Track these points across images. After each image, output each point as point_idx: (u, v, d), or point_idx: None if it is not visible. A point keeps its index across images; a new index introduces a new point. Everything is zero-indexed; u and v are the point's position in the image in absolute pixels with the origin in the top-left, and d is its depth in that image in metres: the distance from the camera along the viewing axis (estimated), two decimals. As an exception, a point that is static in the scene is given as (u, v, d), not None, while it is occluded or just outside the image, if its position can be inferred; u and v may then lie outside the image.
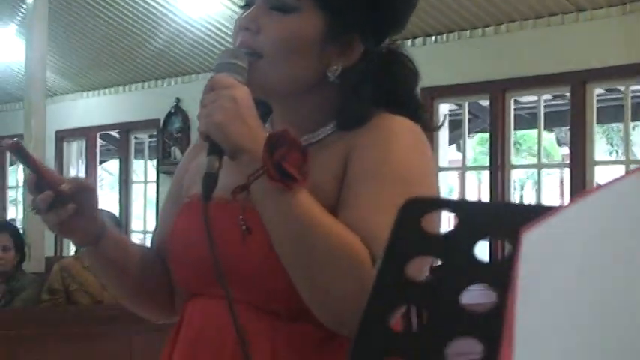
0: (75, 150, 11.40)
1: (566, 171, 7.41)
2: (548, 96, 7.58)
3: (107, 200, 12.56)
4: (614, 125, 11.79)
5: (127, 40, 9.36)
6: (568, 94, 7.05)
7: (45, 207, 1.56)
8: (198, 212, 1.46)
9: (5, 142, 1.55)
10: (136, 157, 10.83)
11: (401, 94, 1.62)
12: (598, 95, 7.08)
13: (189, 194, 1.67)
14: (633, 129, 9.27)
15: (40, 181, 1.56)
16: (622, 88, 6.93)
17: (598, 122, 7.34)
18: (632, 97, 6.83)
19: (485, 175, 7.75)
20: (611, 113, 8.72)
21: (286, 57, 1.55)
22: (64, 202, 1.56)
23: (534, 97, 7.53)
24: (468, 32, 7.18)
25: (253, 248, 1.50)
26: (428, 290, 0.74)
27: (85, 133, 11.03)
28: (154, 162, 10.45)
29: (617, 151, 14.53)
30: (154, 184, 10.16)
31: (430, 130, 1.64)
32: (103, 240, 1.65)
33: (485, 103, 7.79)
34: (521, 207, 0.77)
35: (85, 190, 1.60)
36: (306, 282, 1.44)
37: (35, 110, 7.40)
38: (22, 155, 1.57)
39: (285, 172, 1.40)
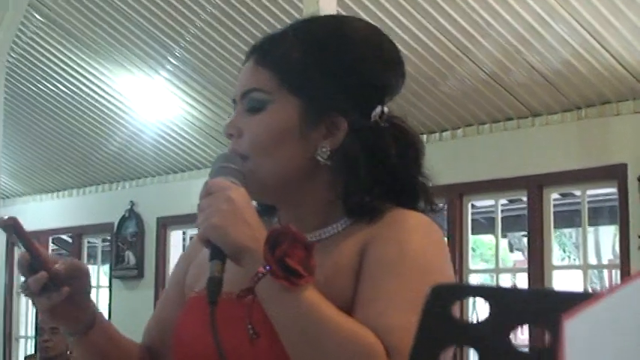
0: (25, 254, 11.19)
1: (521, 276, 7.41)
2: (503, 200, 7.61)
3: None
4: (566, 231, 11.87)
5: (82, 142, 9.31)
6: (524, 198, 7.08)
7: (38, 289, 1.51)
8: (204, 309, 1.42)
9: (0, 219, 1.48)
10: (88, 262, 10.66)
11: (400, 172, 1.57)
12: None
13: (196, 288, 1.63)
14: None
15: (33, 261, 1.51)
16: (578, 192, 6.98)
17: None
18: (589, 202, 6.86)
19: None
20: (564, 218, 8.78)
21: (268, 152, 1.54)
22: (57, 285, 1.51)
23: (490, 202, 7.56)
24: (424, 137, 7.23)
25: (261, 353, 1.47)
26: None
27: (37, 237, 10.86)
28: (107, 267, 10.29)
29: (569, 257, 14.63)
30: (107, 290, 9.98)
31: (430, 211, 1.59)
32: (93, 329, 1.60)
33: (442, 207, 7.81)
34: (555, 293, 0.73)
35: (79, 273, 1.56)
36: None
37: (-12, 213, 7.28)
38: (18, 232, 1.50)
39: (289, 268, 1.36)
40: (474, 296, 0.76)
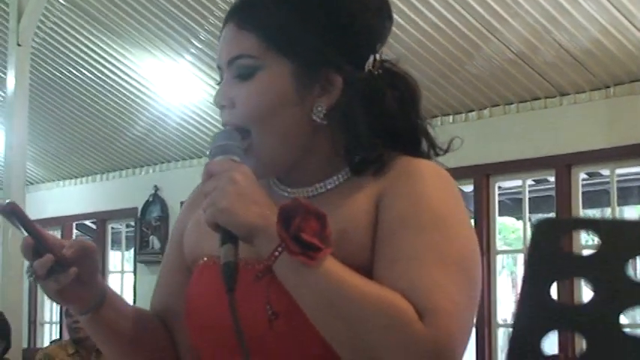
0: (50, 240, 11.23)
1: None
2: (530, 181, 7.56)
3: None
4: (592, 212, 11.81)
5: (106, 128, 9.32)
6: (551, 178, 7.03)
7: (44, 272, 1.46)
8: (215, 283, 1.40)
9: None
10: (112, 247, 10.68)
11: (399, 118, 1.53)
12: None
13: (202, 254, 1.58)
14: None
15: (38, 245, 1.47)
16: (607, 172, 6.92)
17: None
18: (617, 182, 6.81)
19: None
20: (589, 199, 8.72)
21: (267, 121, 1.49)
22: (63, 266, 1.47)
23: (517, 182, 7.51)
24: (450, 117, 7.20)
25: (281, 332, 1.43)
26: (583, 315, 0.66)
27: (61, 223, 10.88)
28: (131, 252, 10.30)
29: (593, 240, 14.54)
30: (132, 275, 9.99)
31: (436, 154, 1.57)
32: (104, 306, 1.56)
33: (469, 188, 7.77)
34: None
35: (86, 252, 1.51)
36: (349, 348, 1.36)
37: (15, 198, 7.29)
38: (19, 217, 1.45)
39: (305, 243, 1.33)
40: (583, 229, 0.73)
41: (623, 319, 0.66)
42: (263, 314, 1.43)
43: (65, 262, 1.47)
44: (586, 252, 0.70)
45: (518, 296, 0.71)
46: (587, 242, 6.49)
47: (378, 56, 1.56)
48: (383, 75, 1.55)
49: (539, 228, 0.71)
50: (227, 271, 1.35)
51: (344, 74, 1.50)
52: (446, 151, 1.58)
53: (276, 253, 1.35)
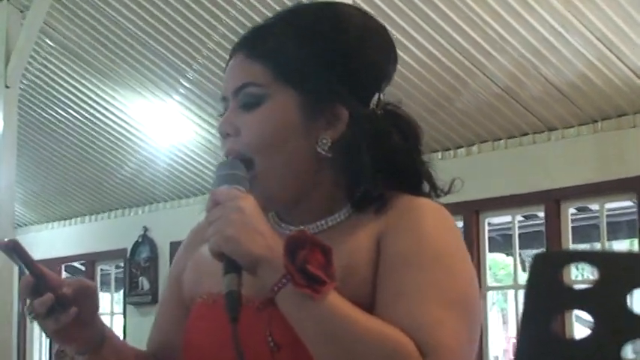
0: (39, 282, 11.18)
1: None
2: (519, 217, 7.57)
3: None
4: (582, 246, 11.83)
5: (94, 169, 9.31)
6: (541, 214, 7.04)
7: (44, 311, 1.45)
8: (215, 319, 1.41)
9: (0, 241, 1.43)
10: (101, 289, 10.62)
11: (402, 157, 1.53)
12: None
13: (200, 293, 1.57)
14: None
15: (38, 283, 1.45)
16: (596, 207, 6.93)
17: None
18: (607, 216, 6.82)
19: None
20: (578, 234, 8.73)
21: (272, 150, 1.49)
22: (63, 305, 1.46)
23: (506, 219, 7.51)
24: (439, 154, 7.21)
25: None
26: (584, 349, 0.66)
27: (49, 265, 10.75)
28: (120, 293, 10.26)
29: (582, 274, 14.56)
30: (121, 316, 9.94)
31: (438, 195, 1.56)
32: (103, 347, 1.55)
33: (459, 225, 7.78)
34: (666, 258, 0.70)
35: (86, 292, 1.50)
36: None
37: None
38: (20, 254, 1.44)
39: (311, 275, 1.32)
40: (581, 262, 0.73)
41: (625, 352, 0.66)
42: (265, 346, 1.42)
43: (65, 301, 1.46)
44: (585, 285, 0.70)
45: (519, 330, 0.70)
46: (577, 276, 6.49)
47: (382, 96, 1.56)
48: (386, 115, 1.55)
49: (537, 261, 0.71)
50: (230, 300, 1.34)
51: (350, 108, 1.51)
52: (447, 193, 1.58)
53: (280, 285, 1.34)
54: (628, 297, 0.67)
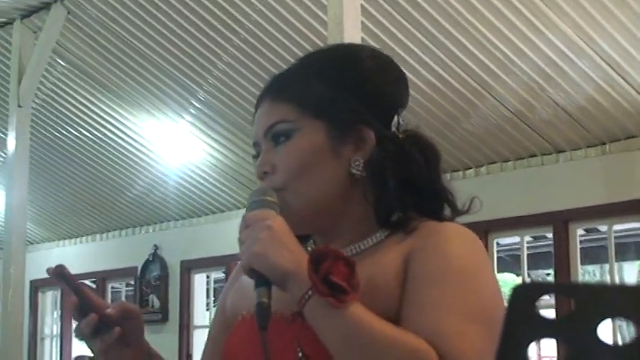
0: (50, 300, 11.24)
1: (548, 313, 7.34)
2: (528, 238, 7.59)
3: (82, 351, 12.31)
4: (591, 267, 11.81)
5: (106, 188, 9.36)
6: (549, 234, 7.05)
7: (89, 331, 1.54)
8: (251, 331, 1.47)
9: (49, 269, 1.52)
10: (112, 307, 10.66)
11: (424, 176, 1.58)
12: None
13: (240, 312, 1.64)
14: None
15: (83, 305, 1.54)
16: (604, 228, 6.95)
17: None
18: (615, 238, 6.83)
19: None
20: (590, 255, 8.74)
21: (304, 177, 1.56)
22: (109, 326, 1.54)
23: (516, 239, 7.53)
24: (448, 175, 7.23)
25: None
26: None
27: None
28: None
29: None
30: (131, 334, 9.96)
31: (459, 213, 1.61)
32: None
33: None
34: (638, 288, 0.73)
35: (131, 316, 1.59)
36: None
37: (15, 259, 7.31)
38: (67, 279, 1.54)
39: (334, 285, 1.38)
40: (558, 293, 0.76)
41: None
42: (294, 358, 1.48)
43: (110, 322, 1.54)
44: (560, 315, 0.73)
45: (495, 356, 0.74)
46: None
47: (401, 120, 1.63)
48: (407, 137, 1.61)
49: (516, 291, 0.75)
50: (260, 310, 1.40)
51: (375, 129, 1.57)
52: (466, 212, 1.63)
53: (307, 297, 1.39)
54: (600, 327, 0.71)
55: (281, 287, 1.42)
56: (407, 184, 1.57)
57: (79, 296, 1.54)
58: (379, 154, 1.56)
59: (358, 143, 1.57)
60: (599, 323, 0.71)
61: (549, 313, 0.71)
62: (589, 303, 0.71)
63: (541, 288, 0.73)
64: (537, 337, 0.72)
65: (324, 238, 1.62)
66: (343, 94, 1.58)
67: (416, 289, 1.47)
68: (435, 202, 1.59)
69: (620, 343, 0.72)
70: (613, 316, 0.72)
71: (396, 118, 1.62)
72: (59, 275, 1.53)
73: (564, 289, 0.76)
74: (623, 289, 0.74)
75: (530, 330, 0.72)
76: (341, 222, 1.59)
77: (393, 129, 1.61)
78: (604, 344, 0.70)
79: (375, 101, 1.60)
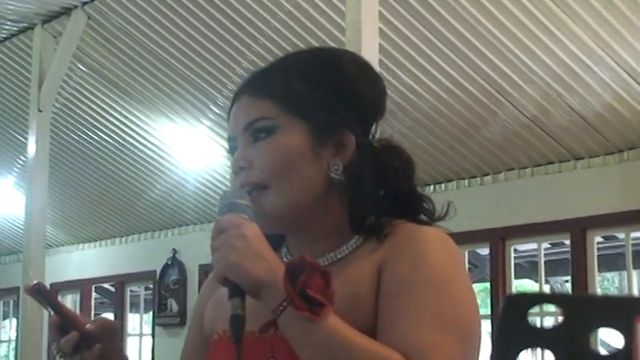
0: (69, 303, 11.28)
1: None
2: (546, 244, 7.58)
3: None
4: (608, 274, 11.78)
5: (125, 191, 9.41)
6: (567, 241, 7.05)
7: (70, 349, 1.52)
8: (228, 350, 1.45)
9: (26, 286, 1.52)
10: (131, 310, 10.71)
11: (402, 184, 1.59)
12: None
13: (217, 329, 1.63)
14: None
15: (63, 323, 1.53)
16: (622, 235, 6.93)
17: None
18: (632, 245, 6.82)
19: (486, 324, 7.67)
20: (605, 262, 8.72)
21: (286, 175, 1.54)
22: (89, 344, 1.53)
23: (533, 246, 7.52)
24: (466, 181, 7.24)
25: None
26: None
27: (80, 286, 10.94)
28: (150, 315, 10.33)
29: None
30: (150, 337, 10.01)
31: (436, 220, 1.61)
32: None
33: (485, 252, 7.79)
34: (627, 299, 0.75)
35: (111, 332, 1.58)
36: None
37: (34, 262, 7.37)
38: (45, 297, 1.53)
39: (310, 298, 1.37)
40: (548, 303, 0.78)
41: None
42: None
43: (90, 339, 1.53)
44: (550, 325, 0.75)
45: (486, 366, 0.76)
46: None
47: (377, 129, 1.63)
48: (384, 147, 1.62)
49: (508, 302, 0.76)
50: (234, 323, 1.39)
51: (356, 135, 1.57)
52: (442, 218, 1.62)
53: (282, 307, 1.39)
54: (590, 337, 0.72)
55: (256, 297, 1.41)
56: (385, 191, 1.57)
57: (59, 313, 1.53)
58: (359, 160, 1.56)
59: (338, 147, 1.56)
60: (588, 333, 0.72)
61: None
62: (579, 314, 0.73)
63: (531, 298, 0.74)
64: (528, 346, 0.74)
65: (297, 243, 1.61)
66: (327, 96, 1.57)
67: (388, 299, 1.46)
68: (412, 209, 1.60)
69: (608, 352, 0.74)
70: (602, 326, 0.74)
71: (374, 127, 1.62)
72: (36, 292, 1.51)
73: (554, 299, 0.78)
74: (612, 300, 0.75)
75: (521, 339, 0.74)
76: (316, 225, 1.58)
77: (370, 137, 1.61)
78: (594, 353, 0.71)
79: (358, 107, 1.59)
